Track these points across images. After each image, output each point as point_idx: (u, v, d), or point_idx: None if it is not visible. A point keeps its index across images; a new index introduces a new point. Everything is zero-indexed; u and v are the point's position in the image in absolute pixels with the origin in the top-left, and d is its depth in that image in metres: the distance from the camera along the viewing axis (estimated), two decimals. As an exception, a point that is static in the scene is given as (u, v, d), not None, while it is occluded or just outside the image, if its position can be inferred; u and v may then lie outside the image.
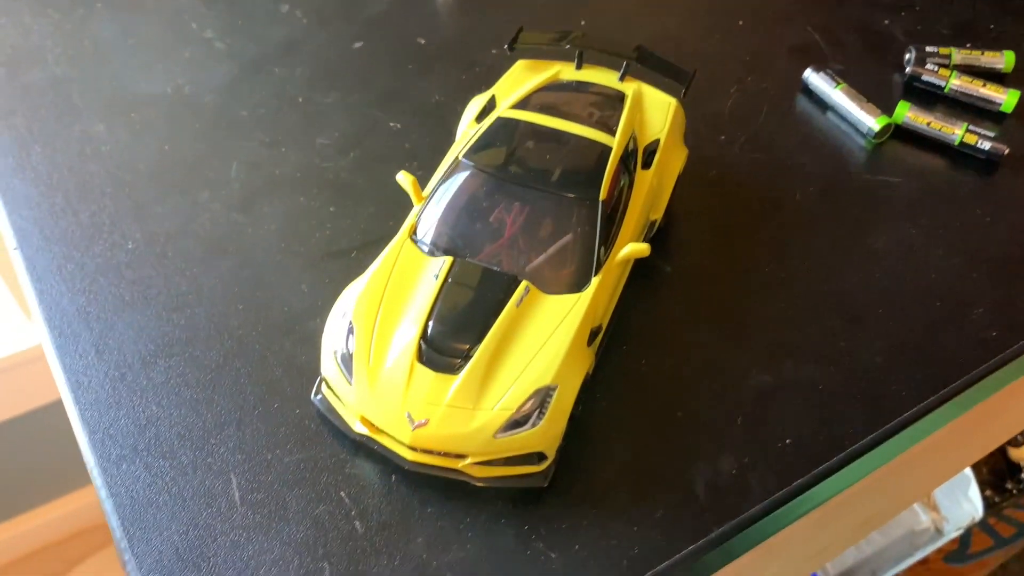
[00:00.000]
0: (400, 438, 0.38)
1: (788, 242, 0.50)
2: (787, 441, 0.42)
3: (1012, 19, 0.66)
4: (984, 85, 0.58)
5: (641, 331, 0.45)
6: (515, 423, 0.37)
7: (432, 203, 0.43)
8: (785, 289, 0.48)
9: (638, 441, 0.41)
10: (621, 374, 0.43)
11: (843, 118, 0.57)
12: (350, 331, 0.39)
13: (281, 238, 0.49)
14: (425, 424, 0.37)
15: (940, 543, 1.15)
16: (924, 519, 1.15)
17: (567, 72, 0.49)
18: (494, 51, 0.60)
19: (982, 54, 0.60)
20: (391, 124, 0.55)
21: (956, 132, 0.55)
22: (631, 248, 0.42)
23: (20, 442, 1.33)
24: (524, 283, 0.40)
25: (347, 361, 0.39)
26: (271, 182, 0.52)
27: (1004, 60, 0.60)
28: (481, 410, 0.37)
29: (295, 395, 0.42)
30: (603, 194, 0.42)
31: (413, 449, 0.38)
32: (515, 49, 0.49)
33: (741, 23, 0.64)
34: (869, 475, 0.44)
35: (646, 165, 0.46)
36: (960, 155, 0.55)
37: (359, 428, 0.39)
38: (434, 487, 0.39)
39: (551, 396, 0.38)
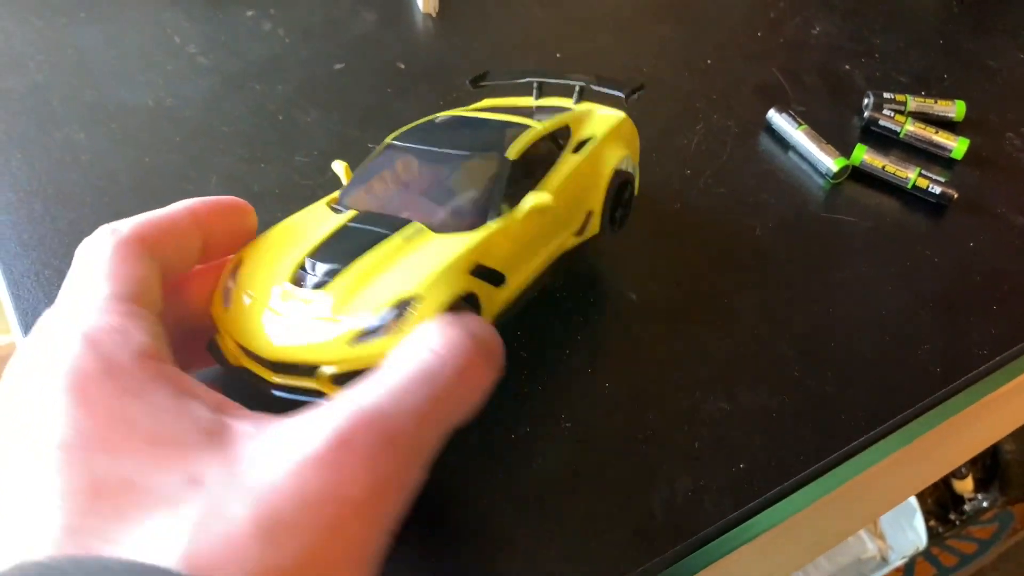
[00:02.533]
0: (263, 353, 0.36)
1: (747, 274, 0.52)
2: (741, 465, 0.44)
3: (964, 70, 0.69)
4: (936, 132, 0.61)
5: (606, 355, 0.47)
6: (373, 330, 0.36)
7: (356, 176, 0.44)
8: (743, 319, 0.50)
9: (599, 461, 0.43)
10: (584, 396, 0.45)
11: (803, 158, 0.60)
12: (238, 264, 0.39)
13: (258, 252, 0.50)
14: (284, 336, 0.36)
15: (885, 571, 1.18)
16: (871, 547, 1.18)
17: (525, 102, 0.51)
18: (469, 80, 0.62)
19: (935, 103, 0.63)
20: (369, 144, 0.57)
21: (909, 176, 0.58)
22: (534, 197, 0.41)
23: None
24: (416, 223, 0.39)
25: (228, 293, 0.38)
26: (249, 197, 0.52)
27: (956, 109, 0.63)
28: (340, 320, 0.36)
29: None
30: (513, 154, 0.42)
31: (275, 369, 0.37)
32: (479, 86, 0.51)
33: (709, 62, 0.67)
34: (819, 500, 0.46)
35: (577, 150, 0.46)
36: (912, 198, 0.58)
37: (232, 354, 0.38)
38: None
39: (413, 306, 0.36)
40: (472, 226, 0.40)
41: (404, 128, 0.46)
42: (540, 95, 0.51)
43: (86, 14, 0.63)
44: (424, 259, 0.38)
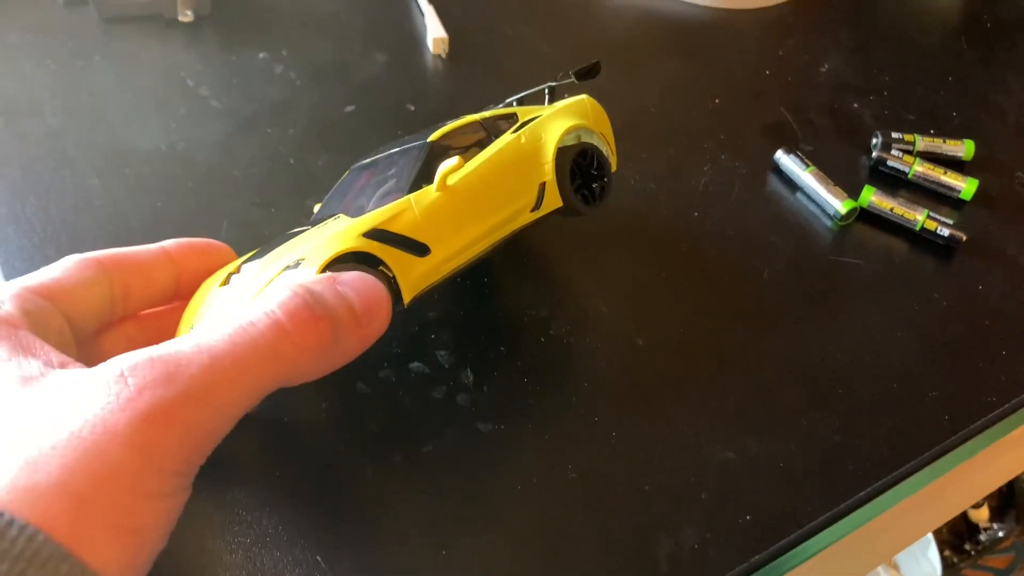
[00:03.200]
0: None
1: (755, 318, 0.52)
2: (747, 517, 0.43)
3: (972, 107, 0.69)
4: (945, 173, 0.61)
5: (612, 403, 0.47)
6: None
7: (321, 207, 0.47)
8: (750, 366, 0.50)
9: (605, 511, 0.43)
10: (590, 445, 0.45)
11: (811, 199, 0.60)
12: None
13: (268, 299, 0.50)
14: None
15: (899, 602, 1.17)
16: (884, 578, 1.17)
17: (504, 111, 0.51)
18: (480, 120, 0.63)
19: (944, 142, 0.63)
20: (378, 188, 0.57)
21: (917, 218, 0.57)
22: (448, 164, 0.41)
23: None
24: (339, 214, 0.42)
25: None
26: (260, 242, 0.53)
27: (964, 149, 0.63)
28: (242, 295, 0.38)
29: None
30: (433, 137, 0.44)
31: None
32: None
33: (717, 101, 0.67)
34: (827, 548, 0.45)
35: (517, 131, 0.46)
36: (921, 240, 0.58)
37: None
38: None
39: (298, 267, 0.37)
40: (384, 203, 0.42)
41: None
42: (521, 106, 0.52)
43: (100, 57, 0.64)
44: (325, 232, 0.40)
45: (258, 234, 0.54)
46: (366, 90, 0.64)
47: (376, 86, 0.65)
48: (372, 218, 0.40)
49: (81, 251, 0.51)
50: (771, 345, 0.51)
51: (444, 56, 0.68)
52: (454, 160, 0.41)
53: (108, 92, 0.62)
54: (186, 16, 0.67)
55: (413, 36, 0.70)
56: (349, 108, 0.63)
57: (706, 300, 0.53)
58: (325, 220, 0.42)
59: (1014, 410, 0.50)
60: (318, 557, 0.40)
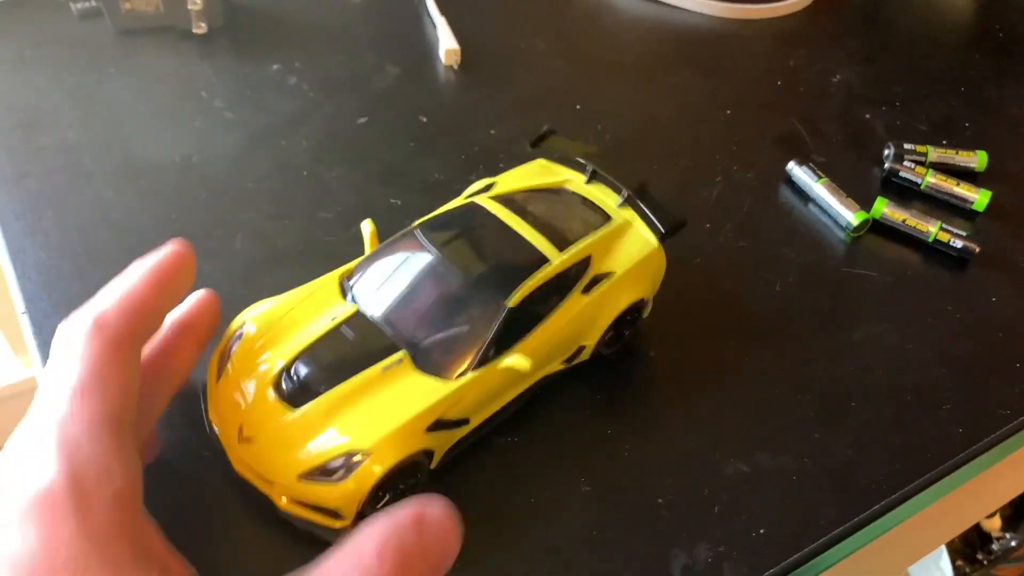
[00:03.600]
0: (229, 447, 0.40)
1: (768, 332, 0.52)
2: (761, 531, 0.43)
3: (986, 117, 0.69)
4: (958, 184, 0.61)
5: (626, 416, 0.47)
6: (321, 472, 0.38)
7: (372, 256, 0.45)
8: (763, 379, 0.50)
9: (618, 524, 0.43)
10: (604, 459, 0.45)
11: (824, 211, 0.60)
12: (238, 337, 0.42)
13: (282, 311, 0.51)
14: (249, 441, 0.39)
15: (912, 612, 1.17)
16: (897, 588, 1.16)
17: (574, 183, 0.49)
18: (492, 132, 0.63)
19: (957, 153, 0.63)
20: (391, 200, 0.58)
21: (930, 229, 0.57)
22: (514, 359, 0.42)
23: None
24: (402, 352, 0.41)
25: (225, 359, 0.42)
26: (273, 254, 0.54)
27: (977, 160, 0.63)
28: (298, 448, 0.39)
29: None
30: (512, 302, 0.42)
31: (239, 462, 0.40)
32: (536, 147, 0.51)
33: (729, 112, 0.67)
34: (840, 562, 0.45)
35: (587, 290, 0.45)
36: (934, 251, 0.58)
37: (210, 425, 0.41)
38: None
39: (361, 461, 0.38)
40: (451, 368, 0.41)
41: (437, 213, 0.46)
42: (591, 179, 0.49)
43: (116, 70, 0.65)
44: (390, 406, 0.40)
45: (271, 246, 0.54)
46: (379, 102, 0.65)
47: (389, 98, 0.65)
48: (434, 408, 0.40)
49: (97, 265, 0.52)
50: (784, 358, 0.51)
51: (456, 68, 0.68)
52: (525, 363, 0.41)
53: (123, 104, 0.63)
54: (200, 28, 0.67)
55: (425, 48, 0.70)
56: (362, 120, 0.63)
57: (718, 313, 0.53)
58: (385, 353, 0.41)
59: (1029, 424, 0.50)
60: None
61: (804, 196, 0.61)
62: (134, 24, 0.68)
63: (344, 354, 0.41)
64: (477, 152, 0.61)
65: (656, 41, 0.75)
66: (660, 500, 0.44)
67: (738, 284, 0.55)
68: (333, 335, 0.41)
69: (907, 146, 0.63)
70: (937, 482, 0.47)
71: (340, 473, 0.38)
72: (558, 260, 0.44)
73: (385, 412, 0.40)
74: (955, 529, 0.63)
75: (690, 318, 0.52)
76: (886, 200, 0.59)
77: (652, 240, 0.47)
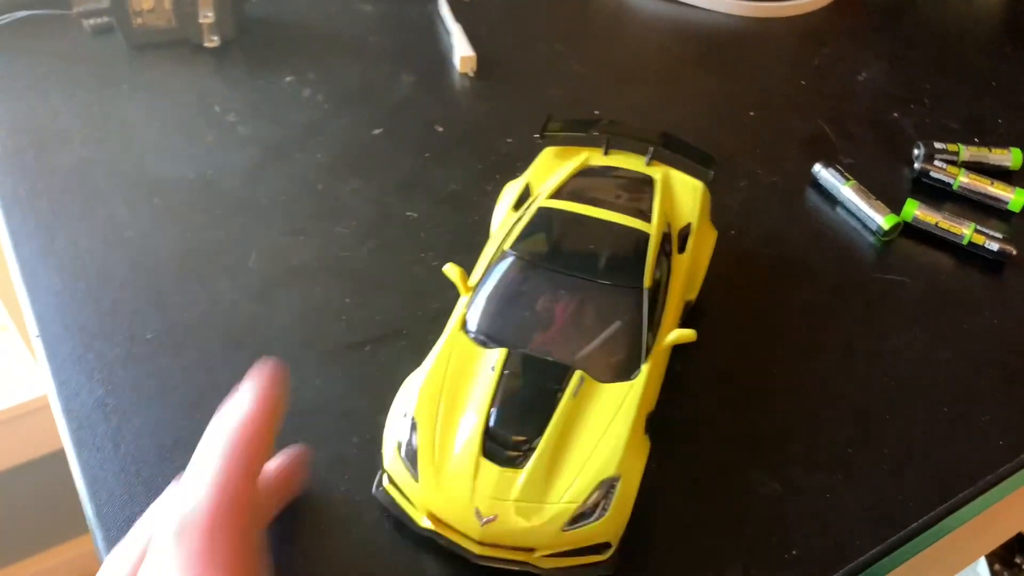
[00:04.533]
0: (469, 533, 0.38)
1: (798, 343, 0.51)
2: (793, 552, 0.42)
3: (1019, 113, 0.67)
4: (992, 183, 0.59)
5: (654, 433, 0.45)
6: (582, 515, 0.38)
7: (480, 294, 0.44)
8: (793, 393, 0.48)
9: (645, 548, 0.41)
10: (630, 478, 0.44)
11: (852, 214, 0.58)
12: (413, 428, 0.40)
13: (297, 330, 0.50)
14: (494, 520, 0.38)
15: (949, 618, 1.14)
16: (933, 594, 1.14)
17: (595, 158, 0.50)
18: (509, 140, 0.62)
19: (990, 151, 0.61)
20: (408, 213, 0.56)
21: (964, 232, 0.55)
22: (677, 334, 0.43)
23: (18, 490, 1.34)
24: (579, 373, 0.41)
25: (412, 456, 0.40)
26: (289, 271, 0.53)
27: (1011, 157, 0.61)
28: (548, 504, 0.38)
29: (305, 495, 0.43)
30: (647, 281, 0.43)
31: (482, 544, 0.39)
32: (545, 137, 0.51)
33: (752, 114, 0.65)
34: (876, 582, 0.44)
35: (681, 249, 0.47)
36: (968, 254, 0.56)
37: (426, 523, 0.40)
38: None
39: (615, 487, 0.38)
40: (630, 371, 0.42)
41: (517, 228, 0.46)
42: (608, 150, 0.51)
43: (128, 86, 0.64)
44: (604, 423, 0.40)
45: (286, 263, 0.53)
46: (394, 112, 0.64)
47: (404, 108, 0.64)
48: (640, 408, 0.41)
49: (110, 287, 0.51)
50: (815, 370, 0.49)
51: (472, 75, 0.67)
52: (691, 333, 0.43)
53: (137, 121, 0.62)
54: (212, 41, 0.67)
55: (440, 56, 0.69)
56: (377, 131, 0.62)
57: (746, 324, 0.51)
58: (563, 377, 0.40)
59: (1073, 434, 0.48)
60: (352, 600, 0.39)
61: (832, 199, 0.59)
62: (146, 39, 0.67)
63: (528, 396, 0.40)
64: (494, 161, 0.60)
65: (676, 42, 0.73)
66: (687, 521, 0.43)
67: (765, 293, 0.53)
68: (505, 383, 0.41)
69: (938, 145, 0.61)
70: (977, 498, 0.45)
71: (600, 509, 0.38)
72: (654, 230, 0.45)
73: (606, 432, 0.40)
74: (996, 541, 0.61)
75: (715, 330, 0.51)
76: (917, 202, 0.57)
77: (696, 182, 0.50)
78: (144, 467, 0.44)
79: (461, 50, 0.67)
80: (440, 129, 0.63)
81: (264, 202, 0.57)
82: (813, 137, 0.64)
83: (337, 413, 0.46)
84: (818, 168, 0.60)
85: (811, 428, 0.47)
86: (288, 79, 0.66)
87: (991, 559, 1.17)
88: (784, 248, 0.56)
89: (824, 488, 0.44)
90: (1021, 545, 1.19)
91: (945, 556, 0.53)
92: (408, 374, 0.43)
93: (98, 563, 0.40)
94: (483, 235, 0.50)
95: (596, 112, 0.65)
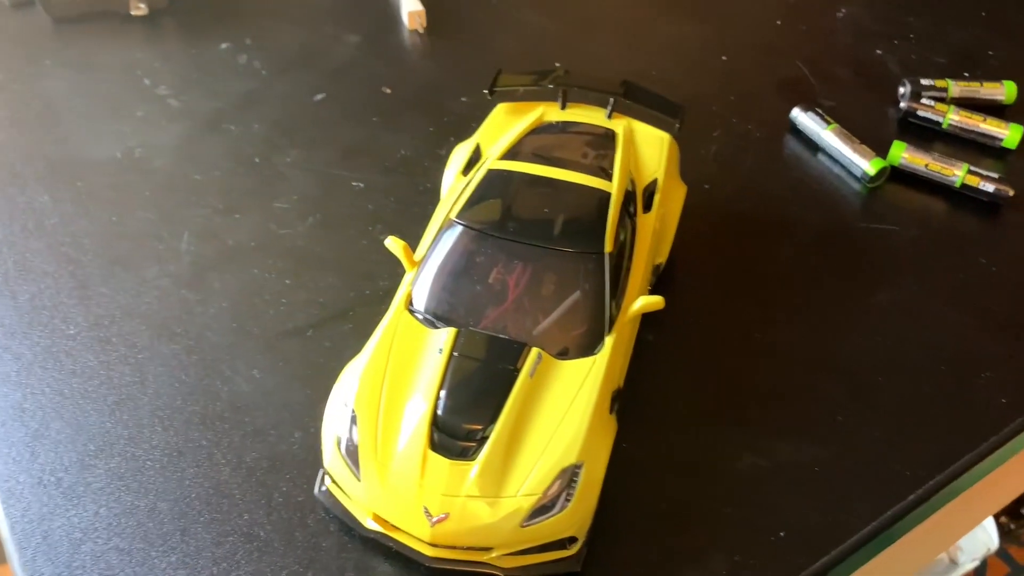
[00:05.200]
0: (418, 534, 0.35)
1: (780, 303, 0.47)
2: (781, 533, 0.38)
3: (1011, 44, 0.63)
4: (984, 120, 0.55)
5: (624, 407, 0.42)
6: (542, 509, 0.34)
7: (425, 269, 0.40)
8: (777, 357, 0.44)
9: (617, 543, 0.38)
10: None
11: (835, 160, 0.54)
12: (353, 420, 0.36)
13: (233, 316, 0.45)
14: (445, 519, 0.34)
15: (956, 574, 1.11)
16: (938, 550, 1.11)
17: (551, 113, 0.46)
18: (464, 99, 0.57)
19: (981, 85, 0.57)
20: (353, 184, 0.52)
21: (956, 174, 0.51)
22: (644, 301, 0.39)
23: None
24: (535, 350, 0.37)
25: (352, 453, 0.36)
26: (224, 253, 0.48)
27: (1005, 91, 0.57)
28: (504, 498, 0.34)
29: (244, 499, 0.39)
30: (608, 245, 0.39)
31: (434, 545, 0.35)
32: (495, 93, 0.47)
33: (725, 59, 0.61)
34: (875, 557, 0.40)
35: (647, 207, 0.43)
36: (962, 198, 0.52)
37: (371, 525, 0.36)
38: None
39: (578, 475, 0.35)
40: (593, 345, 0.38)
41: (465, 194, 0.41)
42: (566, 104, 0.46)
43: (51, 61, 0.60)
44: (564, 405, 0.36)
45: (221, 244, 0.49)
46: (338, 75, 0.59)
47: (348, 70, 0.59)
48: (604, 388, 0.37)
49: (29, 279, 0.46)
50: (800, 333, 0.45)
51: (422, 31, 0.62)
52: (658, 300, 0.39)
53: (60, 99, 0.57)
54: (139, 9, 0.62)
55: (387, 13, 0.64)
56: (319, 96, 0.58)
57: (723, 286, 0.47)
58: (518, 356, 0.37)
59: (1082, 387, 0.44)
60: None
61: (813, 146, 0.55)
62: (70, 11, 0.62)
63: (480, 380, 0.36)
64: (447, 123, 0.56)
65: (642, -13, 0.68)
66: (664, 504, 0.39)
67: (744, 251, 0.49)
68: (454, 366, 0.37)
69: (924, 82, 0.57)
70: (981, 461, 0.41)
71: (561, 501, 0.34)
72: (615, 189, 0.41)
73: (567, 414, 0.36)
74: (1005, 499, 0.57)
75: (692, 293, 0.47)
76: (904, 144, 0.53)
77: (662, 134, 0.46)
78: (65, 476, 0.40)
79: (409, 5, 0.62)
80: (388, 91, 0.58)
81: (197, 179, 0.52)
82: (791, 80, 0.59)
83: (277, 406, 0.42)
84: (796, 112, 0.55)
85: (797, 396, 0.43)
86: (223, 46, 0.61)
87: (997, 513, 1.14)
88: (762, 201, 0.52)
89: (813, 461, 0.40)
90: (1027, 496, 1.16)
91: (952, 519, 0.49)
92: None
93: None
94: (436, 204, 0.46)
95: (557, 65, 0.60)
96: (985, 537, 1.10)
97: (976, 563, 1.10)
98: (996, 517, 1.13)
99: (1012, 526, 1.14)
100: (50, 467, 0.40)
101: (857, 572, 0.40)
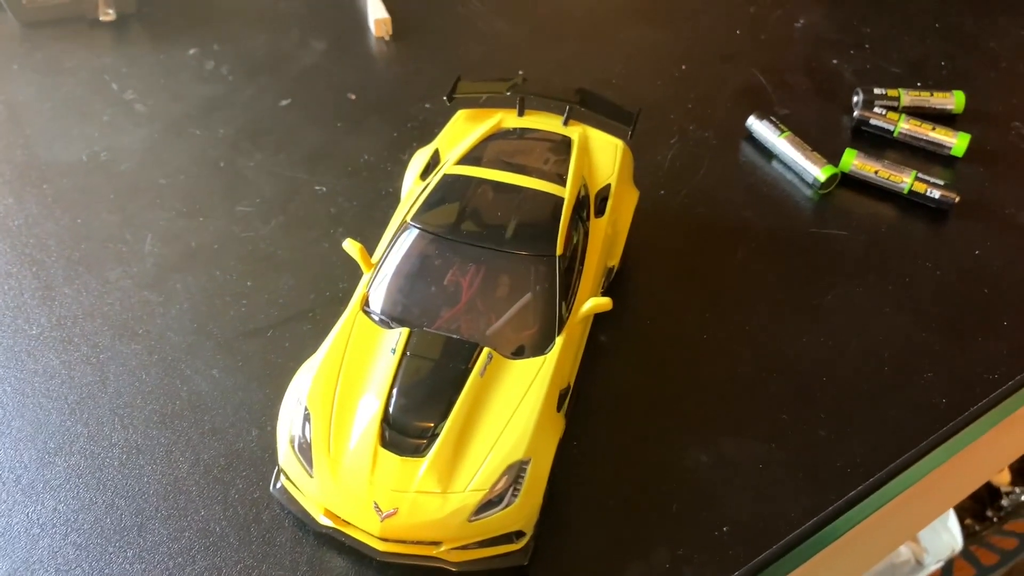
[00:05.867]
0: (369, 529, 0.35)
1: (730, 305, 0.48)
2: (724, 529, 0.39)
3: (964, 54, 0.64)
4: (934, 128, 0.56)
5: (571, 407, 0.43)
6: (489, 503, 0.35)
7: (382, 271, 0.41)
8: (724, 357, 0.45)
9: (564, 536, 0.39)
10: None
11: (788, 167, 0.55)
12: (306, 418, 0.37)
13: (193, 317, 0.46)
14: (394, 514, 0.35)
15: (922, 575, 1.13)
16: (904, 551, 1.12)
17: (509, 120, 0.47)
18: (427, 105, 0.58)
19: (931, 95, 0.58)
20: (316, 187, 0.53)
21: (905, 181, 0.53)
22: (593, 303, 0.40)
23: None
24: (486, 350, 0.38)
25: (305, 451, 0.37)
26: (186, 255, 0.49)
27: (954, 101, 0.58)
28: (452, 493, 0.35)
29: (201, 495, 0.39)
30: (559, 248, 0.40)
31: (384, 540, 0.36)
32: (454, 99, 0.48)
33: (684, 67, 0.62)
34: (817, 554, 0.41)
35: (599, 212, 0.44)
36: (910, 203, 0.53)
37: (324, 521, 0.37)
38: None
39: (525, 470, 0.36)
40: (543, 346, 0.39)
41: (421, 198, 0.42)
42: (523, 111, 0.47)
43: (18, 66, 0.60)
44: (513, 403, 0.37)
45: (184, 246, 0.49)
46: (303, 81, 0.60)
47: (314, 76, 0.60)
48: (552, 385, 0.38)
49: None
50: (748, 333, 0.46)
51: (388, 38, 0.63)
52: (606, 301, 0.40)
53: (26, 103, 0.58)
54: (107, 15, 0.62)
55: (354, 20, 0.65)
56: (285, 102, 0.58)
57: (675, 288, 0.49)
58: (470, 356, 0.38)
59: (1020, 387, 0.45)
60: None
61: (767, 153, 0.56)
62: (38, 16, 0.63)
63: (432, 379, 0.37)
64: (411, 128, 0.57)
65: (606, -4, 0.70)
66: (610, 500, 0.40)
67: (697, 255, 0.50)
68: (406, 365, 0.37)
69: (877, 91, 0.58)
70: (920, 459, 0.43)
71: (508, 495, 0.35)
72: (568, 194, 0.42)
73: (516, 412, 0.37)
74: (959, 494, 0.59)
75: (643, 296, 0.48)
76: (855, 151, 0.54)
77: (616, 140, 0.47)
78: (24, 473, 0.40)
79: (375, 12, 0.63)
80: (353, 97, 0.59)
81: (161, 182, 0.53)
82: (748, 88, 0.61)
83: (235, 405, 0.43)
84: (752, 120, 0.57)
85: (743, 395, 0.44)
86: (191, 51, 0.62)
87: (962, 514, 1.15)
88: (716, 206, 0.53)
89: (757, 458, 0.42)
90: (992, 497, 1.18)
91: (902, 513, 0.50)
92: (313, 361, 0.40)
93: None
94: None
95: (520, 72, 0.61)
96: (950, 538, 1.12)
97: (941, 564, 1.12)
98: (961, 519, 1.15)
99: (977, 527, 1.16)
100: (9, 465, 0.40)
101: (803, 566, 0.41)
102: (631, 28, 0.66)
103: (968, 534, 1.14)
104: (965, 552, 1.14)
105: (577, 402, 0.42)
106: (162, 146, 0.55)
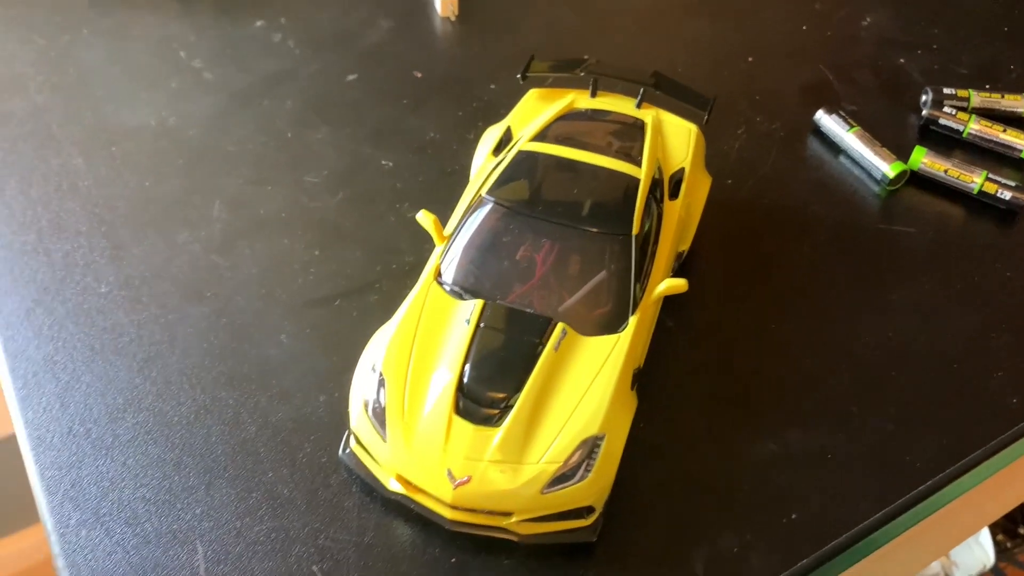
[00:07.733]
0: (440, 496, 0.36)
1: (797, 297, 0.47)
2: (792, 516, 0.39)
3: (1033, 59, 0.63)
4: (1004, 130, 0.55)
5: (641, 392, 0.42)
6: (562, 477, 0.35)
7: (456, 243, 0.41)
8: (793, 348, 0.45)
9: (631, 516, 0.38)
10: (617, 439, 0.41)
11: (856, 163, 0.55)
12: (381, 384, 0.37)
13: (261, 283, 0.46)
14: (467, 482, 0.35)
15: (950, 588, 1.12)
16: (935, 565, 1.11)
17: (582, 100, 0.47)
18: (493, 86, 0.58)
19: (1002, 97, 0.58)
20: (382, 162, 0.53)
21: (975, 180, 0.52)
22: (668, 284, 0.40)
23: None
24: (561, 325, 0.38)
25: (380, 415, 0.37)
26: (254, 222, 0.49)
27: (1025, 104, 0.58)
28: (526, 465, 0.35)
29: (268, 457, 0.40)
30: (635, 228, 0.40)
31: (454, 508, 0.36)
32: (527, 78, 0.48)
33: (751, 60, 0.62)
34: (879, 548, 0.41)
35: (673, 195, 0.44)
36: (979, 204, 0.53)
37: (394, 486, 0.37)
38: (471, 548, 0.37)
39: (599, 446, 0.36)
40: (617, 324, 0.39)
41: (496, 173, 0.42)
42: (596, 92, 0.47)
43: (89, 30, 0.61)
44: (587, 379, 0.37)
45: (252, 214, 0.50)
46: (369, 58, 0.60)
47: (380, 53, 0.60)
48: (627, 364, 0.38)
49: (63, 238, 0.47)
50: (815, 326, 0.46)
51: (453, 19, 0.63)
52: (682, 282, 0.40)
53: (96, 67, 0.58)
54: (177, -16, 0.63)
55: (420, -1, 0.65)
56: (351, 77, 0.58)
57: (742, 278, 0.48)
58: (544, 330, 0.38)
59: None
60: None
61: (835, 148, 0.56)
62: (108, -18, 0.63)
63: (506, 351, 0.37)
64: (476, 108, 0.57)
65: (670, -13, 0.69)
66: (678, 485, 0.40)
67: (763, 245, 0.50)
68: (480, 336, 0.38)
69: (946, 91, 0.57)
70: (990, 458, 0.42)
71: (582, 470, 0.35)
72: (644, 174, 0.42)
73: (590, 388, 0.37)
74: (1005, 507, 0.58)
75: (711, 284, 0.48)
76: (925, 149, 0.53)
77: (690, 125, 0.47)
78: (94, 427, 0.41)
79: (442, -7, 0.63)
80: (419, 75, 0.59)
81: (230, 150, 0.53)
82: (815, 84, 0.60)
83: (303, 370, 0.43)
84: (820, 115, 0.56)
85: (810, 386, 0.44)
86: (258, 24, 0.62)
87: (994, 530, 1.14)
88: (783, 197, 0.52)
89: (824, 449, 0.41)
90: (1024, 515, 1.16)
91: (953, 520, 0.50)
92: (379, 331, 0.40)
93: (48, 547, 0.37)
94: (462, 186, 0.47)
95: (585, 57, 0.61)
96: (981, 553, 1.11)
97: (971, 578, 1.10)
98: (993, 535, 1.14)
99: (1009, 544, 1.15)
100: (80, 418, 0.41)
101: (860, 563, 0.40)
102: (695, 18, 0.65)
103: (999, 551, 1.12)
104: (995, 569, 1.13)
105: (643, 385, 0.42)
106: (229, 115, 0.55)
